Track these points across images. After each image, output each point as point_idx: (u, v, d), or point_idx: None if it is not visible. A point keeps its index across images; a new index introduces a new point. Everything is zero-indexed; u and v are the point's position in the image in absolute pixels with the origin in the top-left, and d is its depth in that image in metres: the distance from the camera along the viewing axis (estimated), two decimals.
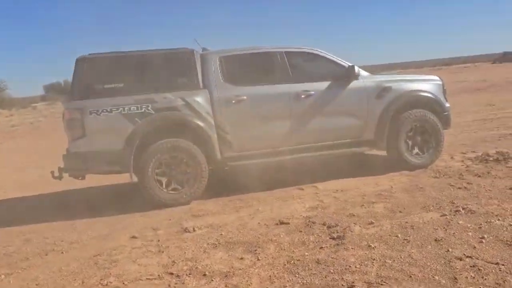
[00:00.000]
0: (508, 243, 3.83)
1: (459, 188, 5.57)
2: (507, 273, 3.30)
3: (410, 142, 6.74)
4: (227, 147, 6.17)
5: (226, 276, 3.71)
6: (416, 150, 6.77)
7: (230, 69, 6.30)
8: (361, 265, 3.66)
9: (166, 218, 5.46)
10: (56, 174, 6.38)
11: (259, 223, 4.98)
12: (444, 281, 3.27)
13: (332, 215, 4.98)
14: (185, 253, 4.29)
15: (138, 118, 5.79)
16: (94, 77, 5.86)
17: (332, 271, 3.60)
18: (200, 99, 6.03)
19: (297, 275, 3.61)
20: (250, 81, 6.34)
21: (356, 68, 6.44)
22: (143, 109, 5.81)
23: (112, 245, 4.72)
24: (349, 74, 6.50)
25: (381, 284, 3.30)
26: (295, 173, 6.83)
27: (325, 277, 3.50)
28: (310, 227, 4.67)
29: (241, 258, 4.05)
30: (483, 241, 3.92)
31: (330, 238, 4.33)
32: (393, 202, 5.26)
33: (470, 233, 4.12)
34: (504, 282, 3.18)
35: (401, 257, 3.75)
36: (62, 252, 4.67)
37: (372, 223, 4.61)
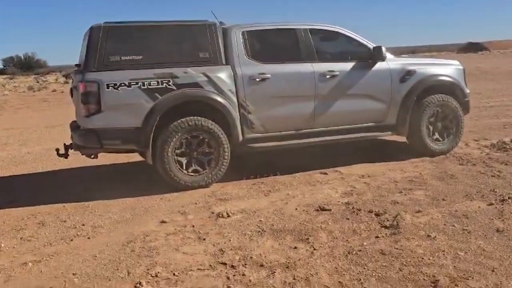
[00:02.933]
0: None
1: (493, 176, 5.44)
2: None
3: (431, 128, 6.56)
4: (249, 127, 5.83)
5: (287, 267, 3.43)
6: (436, 136, 6.61)
7: (253, 44, 5.94)
8: (433, 257, 3.45)
9: (190, 202, 5.11)
10: (62, 151, 5.93)
11: (296, 209, 4.71)
12: None
13: (374, 202, 4.75)
14: (230, 240, 3.98)
15: (158, 93, 5.37)
16: (111, 47, 5.38)
17: (405, 263, 3.38)
18: (223, 76, 5.66)
19: (366, 267, 3.36)
20: (275, 58, 6.00)
21: (384, 49, 6.19)
22: (164, 84, 5.40)
23: (142, 230, 4.35)
24: (375, 55, 6.24)
25: (467, 279, 3.09)
26: (315, 156, 6.59)
27: (401, 270, 3.27)
28: (357, 214, 4.43)
29: (295, 248, 3.78)
30: None
31: (382, 227, 4.11)
32: (431, 189, 5.07)
33: None
34: None
35: (471, 249, 3.56)
36: (89, 238, 4.27)
37: (420, 211, 4.41)
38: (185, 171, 5.53)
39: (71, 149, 5.87)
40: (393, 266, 3.34)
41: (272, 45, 6.17)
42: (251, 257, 3.62)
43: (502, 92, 14.66)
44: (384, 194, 5.02)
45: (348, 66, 6.21)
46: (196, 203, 5.07)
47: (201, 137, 5.58)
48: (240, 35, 5.86)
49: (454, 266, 3.28)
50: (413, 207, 4.54)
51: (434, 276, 3.15)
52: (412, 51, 68.13)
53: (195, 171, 5.59)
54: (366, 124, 6.37)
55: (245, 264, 3.51)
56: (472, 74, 22.26)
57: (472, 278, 3.10)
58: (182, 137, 5.48)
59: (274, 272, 3.37)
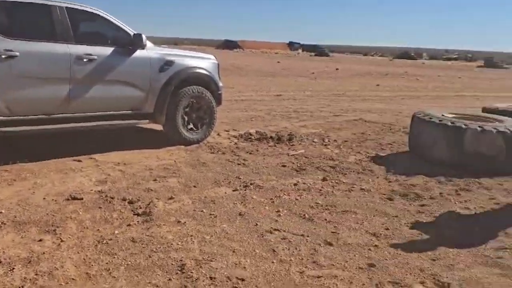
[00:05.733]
0: (301, 216, 4.28)
1: (239, 164, 5.93)
2: (314, 243, 3.69)
3: (186, 118, 6.82)
4: None
5: (29, 262, 3.17)
6: (191, 126, 6.90)
7: (1, 17, 5.30)
8: (182, 242, 3.60)
9: None
10: None
11: (45, 198, 4.38)
12: (265, 254, 3.47)
13: (128, 190, 4.73)
14: None
15: None
16: None
17: (154, 249, 3.44)
18: None
19: (115, 256, 3.33)
20: (25, 35, 5.43)
21: (144, 37, 6.18)
22: None
23: None
24: (135, 42, 6.18)
25: (211, 261, 3.31)
26: (69, 143, 6.23)
27: (150, 257, 3.33)
28: (110, 202, 4.35)
29: (40, 240, 3.52)
30: (280, 214, 4.29)
31: (135, 215, 4.11)
32: (184, 176, 5.28)
33: (267, 207, 4.45)
34: (315, 251, 3.55)
35: (216, 232, 3.82)
36: None
37: (172, 198, 4.56)
38: None
39: None
40: (143, 253, 3.37)
41: (23, 20, 5.58)
42: None
43: (252, 88, 16.13)
44: (139, 181, 5.03)
45: (107, 51, 6.02)
46: None
47: None
48: None
49: (200, 250, 3.48)
50: (166, 194, 4.66)
51: (181, 261, 3.28)
52: (175, 43, 70.03)
53: None
54: (124, 112, 6.29)
55: None
56: (227, 70, 23.98)
57: (215, 259, 3.33)
58: None
59: (13, 268, 3.07)
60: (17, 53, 5.26)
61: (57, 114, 5.71)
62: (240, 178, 5.30)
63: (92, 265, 3.18)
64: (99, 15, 6.10)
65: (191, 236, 3.71)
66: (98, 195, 4.52)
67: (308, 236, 3.81)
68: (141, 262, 3.25)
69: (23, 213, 4.01)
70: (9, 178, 4.93)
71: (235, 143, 7.13)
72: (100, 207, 4.23)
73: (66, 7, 5.75)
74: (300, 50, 66.78)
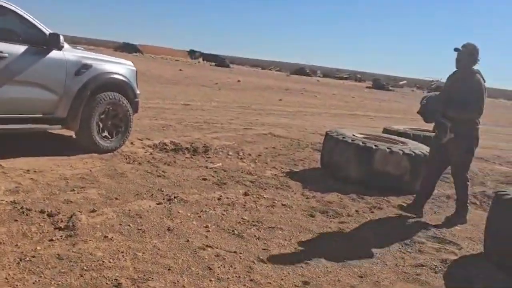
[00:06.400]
0: (231, 232, 4.28)
1: (159, 176, 5.79)
2: (248, 260, 3.71)
3: (101, 125, 6.53)
4: None
5: None
6: (105, 133, 6.62)
7: None
8: (113, 259, 3.44)
9: None
10: None
11: None
12: (202, 272, 3.43)
13: (45, 201, 4.42)
14: None
15: None
16: None
17: (85, 267, 3.25)
18: None
19: (42, 275, 3.10)
20: None
21: (62, 38, 5.83)
22: None
23: None
24: (51, 42, 5.81)
25: (147, 279, 3.20)
26: None
27: (82, 276, 3.14)
28: (27, 215, 4.03)
29: None
30: (209, 230, 4.26)
31: (56, 229, 3.86)
32: (103, 188, 5.05)
33: (194, 222, 4.39)
34: (251, 269, 3.56)
35: (147, 248, 3.70)
36: None
37: (95, 210, 4.33)
38: None
39: None
40: (73, 272, 3.17)
41: None
42: None
43: (157, 95, 15.79)
44: (55, 192, 4.72)
45: (19, 49, 5.60)
46: None
47: None
48: None
49: (134, 267, 3.35)
50: (87, 206, 4.42)
51: (116, 280, 3.13)
52: (72, 41, 66.62)
53: None
54: (35, 115, 5.89)
55: None
56: None
57: (152, 278, 3.22)
58: None
59: None
60: None
61: None
62: (163, 191, 5.17)
63: (17, 286, 2.93)
64: (11, 9, 5.65)
65: (122, 252, 3.55)
66: (11, 206, 4.17)
67: (241, 253, 3.82)
68: (73, 282, 3.05)
69: None
70: None
71: (151, 153, 6.95)
72: (16, 220, 3.91)
73: None
74: (200, 59, 66.68)
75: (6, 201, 4.29)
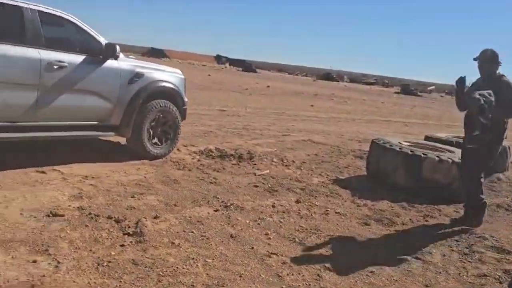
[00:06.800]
0: (291, 239, 4.34)
1: (211, 182, 5.88)
2: (315, 268, 3.75)
3: (151, 132, 6.67)
4: None
5: (32, 286, 2.97)
6: (155, 140, 6.75)
7: None
8: (186, 265, 3.52)
9: None
10: None
11: (22, 214, 4.10)
12: (272, 279, 3.49)
13: (109, 207, 4.54)
14: None
15: None
16: None
17: (161, 273, 3.34)
18: None
19: (122, 281, 3.19)
20: None
21: (118, 48, 5.99)
22: None
23: None
24: (108, 52, 5.98)
25: (222, 286, 3.27)
26: (25, 152, 5.87)
27: (160, 281, 3.22)
28: (96, 220, 4.15)
29: (34, 261, 3.30)
30: (270, 237, 4.32)
31: (124, 234, 3.96)
32: (161, 194, 5.15)
33: (255, 230, 4.45)
34: (319, 277, 3.60)
35: (215, 255, 3.77)
36: None
37: (157, 217, 4.43)
38: None
39: None
40: (151, 278, 3.26)
41: None
42: None
43: (191, 101, 15.80)
44: (116, 198, 4.84)
45: (78, 58, 5.77)
46: None
47: None
48: None
49: (207, 274, 3.42)
50: (150, 212, 4.52)
51: (193, 285, 3.21)
52: None
53: None
54: (91, 122, 6.05)
55: None
56: None
57: (226, 285, 3.29)
58: None
59: None
60: None
61: (22, 122, 5.39)
62: (218, 198, 5.25)
63: None
64: (71, 21, 5.83)
65: (193, 259, 3.63)
66: (79, 212, 4.30)
67: (306, 261, 3.86)
68: (152, 287, 3.13)
69: (4, 230, 3.73)
70: None
71: (198, 160, 7.05)
72: (86, 225, 4.03)
73: (38, 10, 5.47)
74: (227, 64, 67.26)
75: (73, 207, 4.42)
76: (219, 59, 73.75)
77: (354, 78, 76.45)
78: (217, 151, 7.71)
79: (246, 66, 60.93)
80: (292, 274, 3.59)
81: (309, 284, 3.47)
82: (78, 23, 5.87)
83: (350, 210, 5.45)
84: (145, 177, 5.76)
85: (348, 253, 4.17)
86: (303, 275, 3.60)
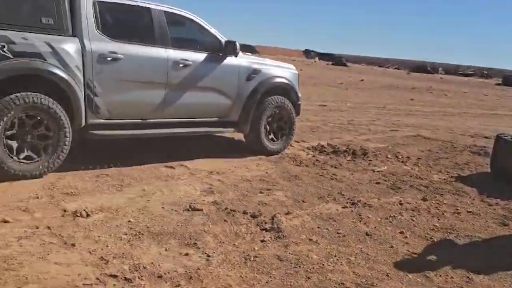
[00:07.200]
0: (428, 238, 4.17)
1: (331, 179, 5.82)
2: (463, 270, 3.57)
3: (268, 128, 6.73)
4: (93, 112, 5.12)
5: (191, 278, 3.07)
6: (272, 136, 6.81)
7: (105, 17, 5.21)
8: (330, 262, 3.49)
9: (29, 196, 4.23)
10: None
11: (163, 207, 4.29)
12: (419, 280, 3.37)
13: (241, 202, 4.63)
14: (107, 246, 3.40)
15: None
16: None
17: (309, 270, 3.33)
18: (70, 49, 4.84)
19: (272, 276, 3.22)
20: (127, 37, 5.36)
21: (238, 45, 6.10)
22: None
23: None
24: (227, 49, 6.11)
25: (372, 285, 3.20)
26: (150, 147, 6.16)
27: (309, 278, 3.22)
28: (233, 215, 4.25)
29: (186, 254, 3.42)
30: (406, 236, 4.18)
31: (262, 230, 4.01)
32: (287, 190, 5.18)
33: (388, 228, 4.34)
34: (470, 279, 3.43)
35: (356, 253, 3.71)
36: None
37: (289, 213, 4.45)
38: (16, 157, 4.57)
39: None
40: (299, 274, 3.27)
41: (125, 21, 5.53)
42: (144, 267, 3.14)
43: None
44: (245, 193, 4.93)
45: (200, 56, 5.95)
46: (37, 197, 4.22)
47: (38, 118, 4.68)
48: (90, 4, 5.08)
49: (353, 272, 3.38)
50: (281, 208, 4.56)
51: (343, 283, 3.18)
52: None
53: (28, 157, 4.66)
54: (212, 119, 6.22)
55: (141, 276, 3.02)
56: None
57: (375, 284, 3.22)
58: (14, 116, 4.51)
59: (179, 285, 2.98)
60: (121, 56, 5.19)
61: (151, 119, 5.64)
62: (343, 195, 5.19)
63: (253, 285, 3.08)
64: (193, 20, 6.03)
65: (335, 256, 3.60)
66: (215, 207, 4.42)
67: (451, 262, 3.69)
68: (303, 284, 3.14)
69: (152, 223, 3.91)
70: (115, 183, 4.84)
71: (314, 156, 7.02)
72: (225, 220, 4.13)
73: (165, 11, 5.69)
74: (316, 58, 66.83)
75: (208, 201, 4.55)
76: (307, 53, 73.48)
77: (449, 70, 72.83)
78: (330, 147, 7.64)
79: (336, 60, 60.13)
80: (440, 275, 3.45)
81: (461, 287, 3.30)
82: (199, 21, 6.06)
83: (483, 210, 5.16)
84: (267, 172, 5.83)
85: (493, 254, 3.94)
86: (452, 277, 3.44)
